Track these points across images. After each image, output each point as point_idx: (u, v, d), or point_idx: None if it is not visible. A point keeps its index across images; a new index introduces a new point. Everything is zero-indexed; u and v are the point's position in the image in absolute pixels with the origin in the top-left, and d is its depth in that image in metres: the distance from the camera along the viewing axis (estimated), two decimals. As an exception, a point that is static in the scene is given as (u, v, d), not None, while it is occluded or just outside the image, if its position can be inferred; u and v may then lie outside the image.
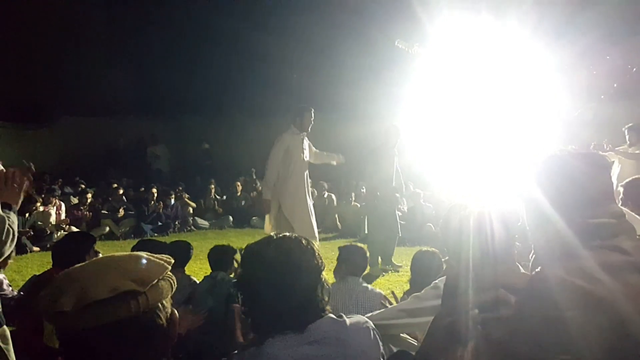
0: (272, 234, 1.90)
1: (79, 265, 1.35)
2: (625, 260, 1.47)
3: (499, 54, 9.48)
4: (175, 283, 1.37)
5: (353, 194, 11.63)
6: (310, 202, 6.57)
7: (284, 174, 6.38)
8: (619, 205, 3.43)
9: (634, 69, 10.37)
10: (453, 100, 9.70)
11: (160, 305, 1.31)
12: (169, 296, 1.35)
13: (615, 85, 10.51)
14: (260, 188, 12.54)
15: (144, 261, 1.36)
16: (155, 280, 1.31)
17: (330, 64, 13.79)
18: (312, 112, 6.51)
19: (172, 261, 1.43)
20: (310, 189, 6.70)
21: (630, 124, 8.22)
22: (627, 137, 8.13)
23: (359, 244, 4.60)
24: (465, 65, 9.59)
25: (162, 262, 1.39)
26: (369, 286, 3.92)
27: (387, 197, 7.23)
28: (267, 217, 6.54)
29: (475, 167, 8.81)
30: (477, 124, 9.24)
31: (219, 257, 4.39)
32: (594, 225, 1.55)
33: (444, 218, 2.87)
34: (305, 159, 6.53)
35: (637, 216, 2.80)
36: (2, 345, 2.30)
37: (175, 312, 1.37)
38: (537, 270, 1.60)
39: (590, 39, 9.85)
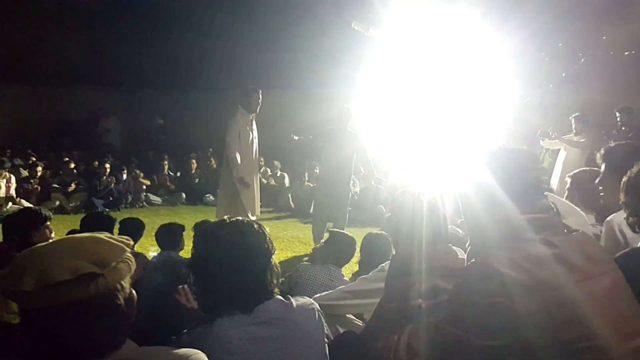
0: (225, 217, 1.98)
1: (40, 245, 1.39)
2: (552, 253, 1.60)
3: (450, 38, 9.67)
4: (134, 264, 1.43)
5: (307, 174, 11.71)
6: (257, 181, 6.79)
7: (232, 153, 6.50)
8: (565, 194, 3.62)
9: (582, 59, 10.72)
10: (406, 84, 9.86)
11: (118, 286, 1.36)
12: (128, 277, 1.40)
13: (563, 74, 10.85)
14: (215, 165, 12.54)
15: (104, 243, 1.40)
16: (115, 262, 1.36)
17: (285, 44, 13.72)
18: (260, 93, 6.61)
19: (131, 243, 1.48)
20: (261, 167, 6.85)
21: (576, 114, 8.47)
22: (573, 125, 8.38)
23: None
24: (418, 48, 9.74)
25: (121, 243, 1.43)
26: (345, 278, 3.93)
27: (337, 178, 7.26)
28: (219, 199, 6.75)
29: (427, 151, 9.04)
30: (429, 108, 9.44)
31: (168, 235, 4.41)
32: (525, 219, 1.68)
33: (396, 202, 2.99)
34: (254, 142, 6.67)
35: (574, 207, 2.98)
36: None
37: (134, 292, 1.44)
38: (471, 260, 1.73)
39: (538, 24, 10.09)
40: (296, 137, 7.48)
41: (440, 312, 1.70)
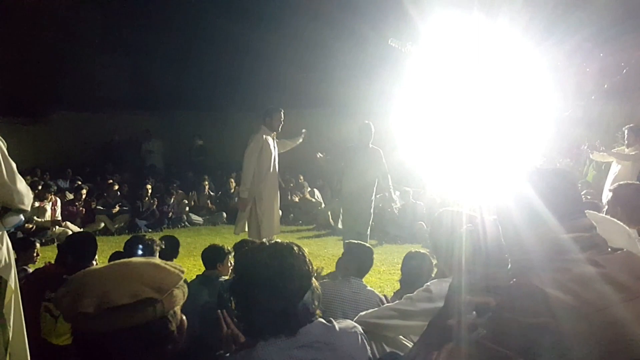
0: (264, 240, 1.98)
1: (97, 268, 1.43)
2: (598, 272, 1.56)
3: (490, 53, 9.56)
4: (187, 292, 1.45)
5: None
6: (278, 199, 6.91)
7: (259, 173, 6.59)
8: (605, 209, 3.52)
9: (625, 69, 10.46)
10: (445, 99, 9.78)
11: (172, 312, 1.39)
12: (180, 304, 1.43)
13: (605, 85, 10.60)
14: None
15: (161, 269, 1.43)
16: (172, 289, 1.40)
17: (323, 61, 13.84)
18: (282, 112, 6.72)
19: (184, 270, 1.51)
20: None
21: (631, 125, 8.19)
22: (625, 137, 8.12)
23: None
24: (457, 64, 9.66)
25: (177, 270, 1.47)
26: (368, 287, 3.92)
27: (362, 193, 7.35)
28: (239, 215, 6.79)
29: (467, 166, 8.91)
30: (469, 122, 9.32)
31: (213, 256, 4.45)
32: (568, 239, 1.64)
33: (435, 220, 2.96)
34: (276, 161, 6.76)
35: (617, 222, 2.89)
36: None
37: (184, 318, 1.46)
38: (513, 280, 1.69)
39: (581, 37, 9.94)
40: (320, 155, 7.61)
41: (483, 330, 1.66)
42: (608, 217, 3.09)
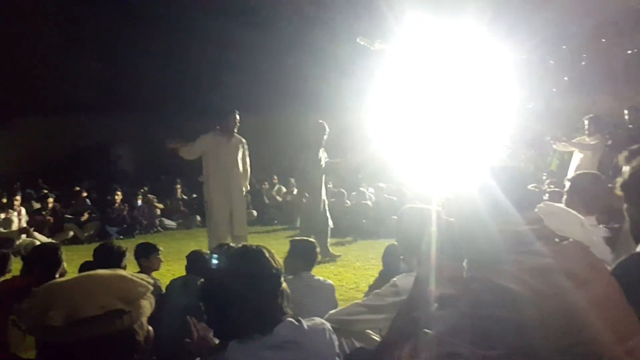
0: (231, 244, 2.03)
1: (63, 280, 1.45)
2: (545, 263, 1.65)
3: (456, 50, 9.73)
4: (154, 303, 1.49)
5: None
6: (234, 201, 6.89)
7: (206, 173, 6.79)
8: (564, 198, 3.65)
9: (583, 62, 10.77)
10: (414, 95, 9.92)
11: (139, 323, 1.42)
12: (148, 315, 1.46)
13: (566, 78, 10.90)
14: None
15: (129, 281, 1.46)
16: (140, 300, 1.42)
17: (295, 57, 13.89)
18: (237, 114, 6.80)
19: (153, 282, 1.55)
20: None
21: (591, 115, 8.43)
22: (586, 126, 8.34)
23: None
24: (425, 61, 9.81)
25: (144, 281, 1.50)
26: (320, 278, 4.06)
27: (317, 190, 7.55)
28: None
29: (435, 160, 9.06)
30: (437, 118, 9.47)
31: (195, 260, 4.49)
32: (517, 232, 1.73)
33: (403, 217, 3.04)
34: (228, 160, 6.77)
35: (571, 211, 3.01)
36: None
37: (151, 329, 1.49)
38: (468, 273, 1.78)
39: (544, 34, 10.21)
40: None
41: (440, 324, 1.74)
42: (563, 207, 3.21)
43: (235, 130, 6.82)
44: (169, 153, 6.80)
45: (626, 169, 2.23)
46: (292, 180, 12.73)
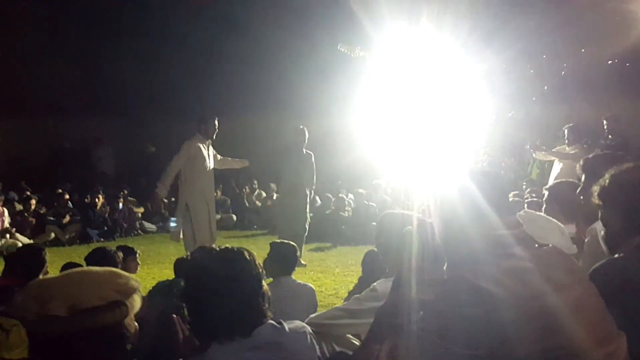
0: (214, 245, 2.05)
1: (56, 275, 1.50)
2: (524, 266, 1.70)
3: (435, 58, 9.87)
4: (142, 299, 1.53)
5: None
6: (213, 206, 7.04)
7: (190, 177, 6.75)
8: (543, 207, 3.71)
9: (563, 72, 10.94)
10: (394, 102, 10.03)
11: (129, 317, 1.47)
12: (138, 309, 1.51)
13: (545, 87, 11.06)
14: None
15: (122, 276, 1.51)
16: (134, 294, 1.48)
17: (276, 63, 13.93)
18: (217, 120, 6.88)
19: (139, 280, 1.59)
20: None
21: (570, 124, 8.46)
22: (565, 136, 8.38)
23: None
24: (404, 69, 9.93)
25: (133, 279, 1.55)
26: (300, 282, 4.08)
27: (296, 194, 7.63)
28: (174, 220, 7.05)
29: (415, 165, 9.16)
30: (417, 124, 9.59)
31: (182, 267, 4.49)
32: (496, 235, 1.78)
33: (384, 221, 3.08)
34: (210, 166, 6.85)
35: (551, 219, 3.07)
36: None
37: (136, 324, 1.52)
38: (447, 274, 1.83)
39: (523, 43, 10.34)
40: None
41: (423, 323, 1.78)
42: (543, 215, 3.27)
43: (214, 136, 6.84)
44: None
45: (606, 176, 2.29)
46: (272, 185, 12.77)
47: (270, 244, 4.30)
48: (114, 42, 15.78)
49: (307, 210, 7.78)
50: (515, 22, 9.88)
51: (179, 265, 4.53)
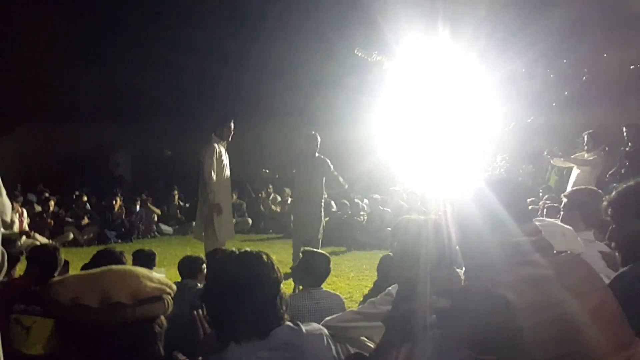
0: (234, 249, 2.06)
1: (92, 271, 1.51)
2: (542, 274, 1.69)
3: (454, 61, 9.80)
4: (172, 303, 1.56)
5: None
6: (231, 209, 7.14)
7: (210, 179, 6.72)
8: (561, 214, 3.68)
9: (584, 77, 10.79)
10: (412, 109, 9.98)
11: (161, 317, 1.50)
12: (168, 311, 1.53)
13: (566, 93, 10.92)
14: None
15: (153, 275, 1.53)
16: (167, 294, 1.51)
17: (292, 70, 13.96)
18: (233, 122, 6.90)
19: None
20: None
21: (590, 130, 8.38)
22: (585, 142, 8.31)
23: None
24: (422, 74, 9.87)
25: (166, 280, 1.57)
26: (329, 291, 3.94)
27: (307, 201, 7.62)
28: (197, 222, 7.04)
29: (432, 172, 9.11)
30: (434, 131, 9.53)
31: (188, 266, 4.50)
32: (514, 243, 1.77)
33: (400, 228, 3.06)
34: (227, 169, 6.93)
35: (555, 222, 3.04)
36: None
37: (165, 323, 1.55)
38: (466, 283, 1.82)
39: (542, 47, 10.24)
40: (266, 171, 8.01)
41: (441, 330, 1.77)
42: (547, 219, 3.25)
43: (229, 139, 6.91)
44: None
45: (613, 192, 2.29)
46: (287, 190, 12.80)
47: (302, 252, 4.19)
48: (133, 49, 15.97)
49: (322, 215, 7.72)
50: (536, 25, 9.78)
51: (187, 265, 4.54)
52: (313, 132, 7.69)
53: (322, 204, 7.72)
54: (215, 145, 6.72)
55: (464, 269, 1.96)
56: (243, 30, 15.18)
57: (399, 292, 2.55)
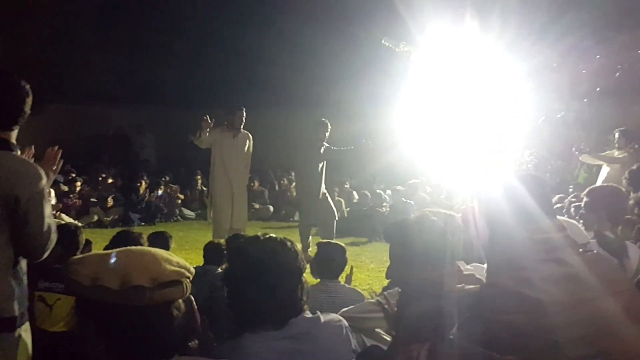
0: (258, 234, 2.03)
1: (107, 252, 1.51)
2: (567, 272, 1.64)
3: (483, 53, 9.61)
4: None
5: (337, 189, 11.83)
6: (241, 196, 7.13)
7: (213, 163, 7.06)
8: (582, 213, 3.61)
9: (619, 71, 10.50)
10: (438, 100, 9.84)
11: (179, 301, 1.50)
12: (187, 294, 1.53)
13: (598, 89, 10.65)
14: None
15: (174, 259, 1.53)
16: (187, 277, 1.50)
17: (315, 61, 13.89)
18: (244, 111, 7.00)
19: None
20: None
21: (622, 128, 8.19)
22: (616, 139, 8.13)
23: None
24: (450, 64, 9.72)
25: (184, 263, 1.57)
26: (347, 286, 3.88)
27: (313, 185, 7.67)
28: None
29: (458, 166, 8.99)
30: (461, 123, 9.39)
31: (212, 252, 4.54)
32: (540, 240, 1.72)
33: (423, 221, 2.99)
34: (231, 155, 6.99)
35: (572, 221, 2.98)
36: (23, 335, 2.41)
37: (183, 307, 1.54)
38: (488, 279, 1.78)
39: (575, 38, 9.99)
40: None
41: (464, 331, 1.73)
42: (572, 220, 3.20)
43: (241, 127, 6.96)
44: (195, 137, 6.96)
45: None
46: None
47: (317, 244, 4.14)
48: (159, 37, 16.08)
49: (329, 201, 7.79)
50: (568, 16, 9.53)
51: (209, 248, 4.57)
52: (323, 119, 7.69)
53: (324, 189, 7.74)
54: (217, 131, 6.91)
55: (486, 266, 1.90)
56: (267, 21, 15.17)
57: (412, 291, 2.48)
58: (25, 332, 2.39)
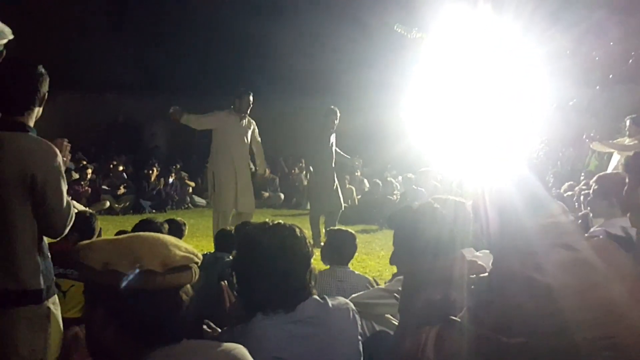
0: (266, 220, 2.06)
1: (123, 237, 1.54)
2: (576, 257, 1.65)
3: (495, 40, 9.51)
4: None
5: (347, 177, 11.83)
6: (238, 179, 7.04)
7: (219, 148, 7.01)
8: (590, 200, 3.57)
9: (631, 60, 10.36)
10: (450, 87, 9.77)
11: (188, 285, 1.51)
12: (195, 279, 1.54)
13: (611, 76, 10.53)
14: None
15: (182, 244, 1.54)
16: (194, 262, 1.51)
17: (325, 49, 13.85)
18: (251, 96, 6.99)
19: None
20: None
21: (633, 115, 8.06)
22: (627, 126, 8.02)
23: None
24: (462, 51, 9.63)
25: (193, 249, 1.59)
26: (355, 272, 3.91)
27: (326, 174, 7.79)
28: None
29: (469, 153, 8.94)
30: (472, 110, 9.32)
31: (223, 240, 4.57)
32: (548, 224, 1.72)
33: (422, 212, 2.97)
34: (243, 140, 7.00)
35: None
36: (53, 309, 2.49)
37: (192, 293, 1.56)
38: (495, 264, 1.79)
39: (589, 23, 9.86)
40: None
41: (469, 314, 1.75)
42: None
43: (248, 112, 6.98)
44: (172, 120, 6.98)
45: None
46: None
47: (327, 231, 4.17)
48: (171, 25, 16.11)
49: (336, 188, 7.88)
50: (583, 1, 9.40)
51: (222, 237, 4.60)
52: (332, 107, 7.71)
53: (335, 178, 7.88)
54: (223, 114, 6.95)
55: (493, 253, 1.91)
56: (277, 9, 15.12)
57: (418, 279, 2.47)
58: (54, 305, 2.50)
